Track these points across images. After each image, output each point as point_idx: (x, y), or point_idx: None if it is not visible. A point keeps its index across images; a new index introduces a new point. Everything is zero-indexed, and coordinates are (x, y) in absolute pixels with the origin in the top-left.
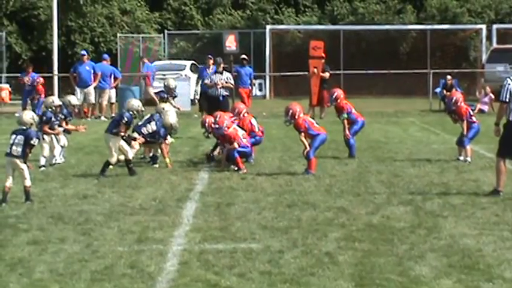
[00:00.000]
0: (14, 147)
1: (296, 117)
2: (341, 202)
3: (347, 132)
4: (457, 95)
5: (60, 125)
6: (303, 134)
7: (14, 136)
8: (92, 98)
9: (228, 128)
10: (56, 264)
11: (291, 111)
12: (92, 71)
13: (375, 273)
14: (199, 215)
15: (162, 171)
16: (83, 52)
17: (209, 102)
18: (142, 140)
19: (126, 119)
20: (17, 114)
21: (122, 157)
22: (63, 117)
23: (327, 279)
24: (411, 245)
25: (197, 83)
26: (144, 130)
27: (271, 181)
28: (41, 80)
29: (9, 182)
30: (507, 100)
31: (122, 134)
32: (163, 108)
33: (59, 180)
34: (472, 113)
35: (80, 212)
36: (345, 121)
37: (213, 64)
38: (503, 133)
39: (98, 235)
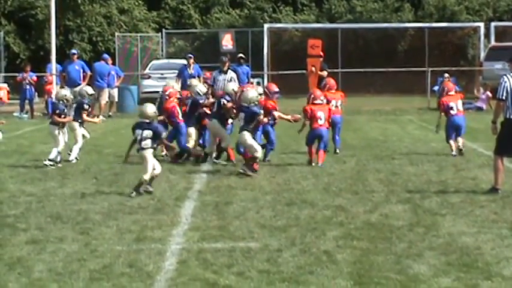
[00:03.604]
0: (143, 142)
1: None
2: (339, 200)
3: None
4: (449, 85)
5: (81, 117)
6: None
7: (139, 131)
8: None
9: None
10: (55, 264)
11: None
12: (82, 71)
13: (374, 271)
14: (197, 213)
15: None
16: (73, 51)
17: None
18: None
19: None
20: (15, 114)
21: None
22: (87, 107)
23: (326, 278)
24: (409, 243)
25: (176, 81)
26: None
27: (270, 180)
28: (50, 79)
29: (148, 175)
30: (504, 98)
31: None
32: None
33: (58, 179)
34: (452, 106)
35: (78, 211)
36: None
37: (193, 63)
38: (500, 131)
39: (97, 234)
